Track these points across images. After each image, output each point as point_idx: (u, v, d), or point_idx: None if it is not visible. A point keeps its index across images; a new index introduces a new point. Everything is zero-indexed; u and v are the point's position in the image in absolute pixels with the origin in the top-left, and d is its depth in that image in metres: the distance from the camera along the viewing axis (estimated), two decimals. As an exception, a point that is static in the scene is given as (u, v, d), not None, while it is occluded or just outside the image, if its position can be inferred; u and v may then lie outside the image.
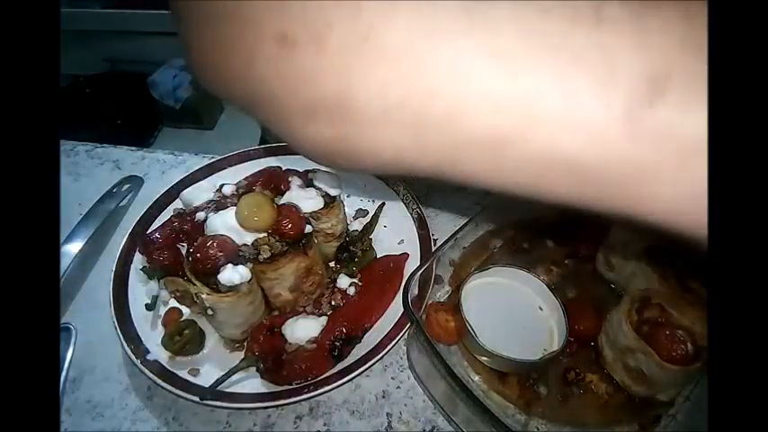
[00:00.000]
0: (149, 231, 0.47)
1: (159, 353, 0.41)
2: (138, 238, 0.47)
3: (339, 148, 0.19)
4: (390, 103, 0.17)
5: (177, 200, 0.50)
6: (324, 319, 0.43)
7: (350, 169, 0.22)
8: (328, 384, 0.38)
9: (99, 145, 0.64)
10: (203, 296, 0.38)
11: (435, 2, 0.16)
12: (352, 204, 0.53)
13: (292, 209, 0.42)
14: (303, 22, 0.17)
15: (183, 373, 0.40)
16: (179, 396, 0.38)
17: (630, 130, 0.14)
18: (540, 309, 0.43)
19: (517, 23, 0.15)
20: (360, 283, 0.47)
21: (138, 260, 0.46)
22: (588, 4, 0.15)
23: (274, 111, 0.20)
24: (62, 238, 0.50)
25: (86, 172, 0.61)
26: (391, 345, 0.41)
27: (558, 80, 0.15)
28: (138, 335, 0.42)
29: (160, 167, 0.61)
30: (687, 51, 0.14)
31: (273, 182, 0.47)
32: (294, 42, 0.17)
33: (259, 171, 0.50)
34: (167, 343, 0.41)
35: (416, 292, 0.40)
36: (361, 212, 0.53)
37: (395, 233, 0.51)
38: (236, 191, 0.46)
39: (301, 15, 0.17)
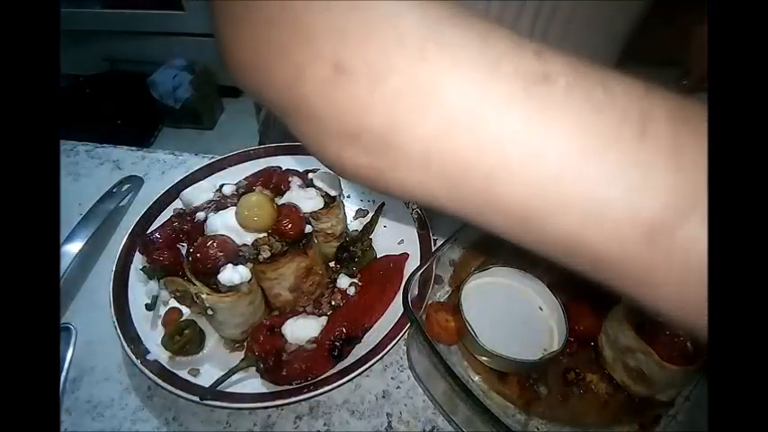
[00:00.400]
0: (149, 231, 0.47)
1: (159, 353, 0.41)
2: (138, 238, 0.47)
3: (370, 175, 0.20)
4: (434, 153, 0.17)
5: (177, 200, 0.50)
6: (324, 319, 0.43)
7: (372, 190, 0.22)
8: (328, 384, 0.38)
9: (99, 145, 0.64)
10: (203, 296, 0.38)
11: (496, 71, 0.16)
12: (352, 204, 0.53)
13: (292, 209, 0.42)
14: (364, 56, 0.17)
15: (183, 373, 0.40)
16: (179, 396, 0.38)
17: (651, 240, 0.16)
18: (540, 309, 0.43)
19: (571, 117, 0.16)
20: (360, 283, 0.47)
21: (138, 260, 0.46)
22: (636, 113, 0.16)
23: (312, 127, 0.20)
24: (62, 238, 0.50)
25: (86, 172, 0.61)
26: (391, 345, 0.41)
27: (597, 179, 0.16)
28: (138, 335, 0.42)
29: (160, 167, 0.61)
30: None
31: (273, 182, 0.47)
32: (350, 72, 0.17)
33: (259, 171, 0.50)
34: (167, 343, 0.41)
35: (416, 292, 0.40)
36: (361, 212, 0.53)
37: (395, 233, 0.51)
38: (236, 191, 0.46)
39: (364, 49, 0.17)
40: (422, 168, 0.18)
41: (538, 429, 0.39)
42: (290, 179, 0.45)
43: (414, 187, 0.19)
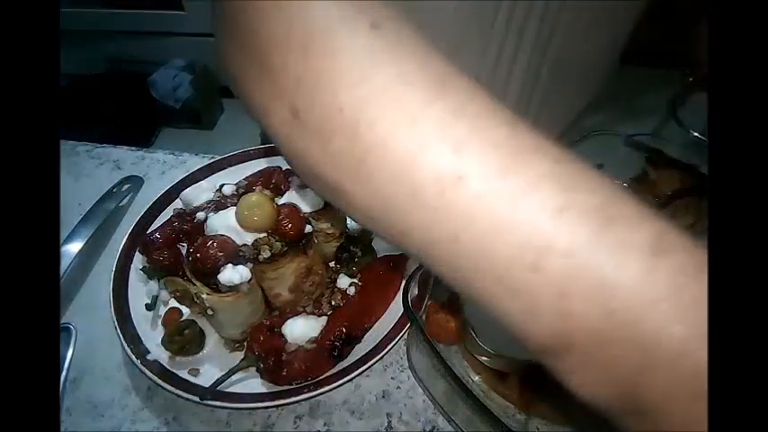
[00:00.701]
0: (149, 231, 0.47)
1: (159, 353, 0.41)
2: (138, 238, 0.47)
3: (339, 207, 0.20)
4: (376, 216, 0.18)
5: (177, 200, 0.50)
6: (324, 319, 0.43)
7: None
8: (328, 384, 0.38)
9: (99, 145, 0.64)
10: (203, 296, 0.38)
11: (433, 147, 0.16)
12: (352, 204, 0.53)
13: (292, 209, 0.42)
14: (315, 109, 0.18)
15: (183, 373, 0.40)
16: (179, 396, 0.38)
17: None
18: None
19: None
20: (360, 283, 0.47)
21: (138, 260, 0.46)
22: (648, 242, 0.15)
23: (285, 154, 0.20)
24: (62, 238, 0.50)
25: (86, 172, 0.61)
26: (391, 345, 0.41)
27: (526, 302, 0.16)
28: (138, 335, 0.42)
29: (160, 167, 0.61)
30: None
31: (273, 182, 0.47)
32: (304, 122, 0.18)
33: (259, 171, 0.50)
34: (167, 343, 0.41)
35: (416, 292, 0.40)
36: (361, 212, 0.53)
37: (395, 233, 0.51)
38: (236, 191, 0.46)
39: (314, 101, 0.17)
40: (369, 221, 0.19)
41: (538, 429, 0.39)
42: (289, 179, 0.45)
43: (372, 231, 0.20)
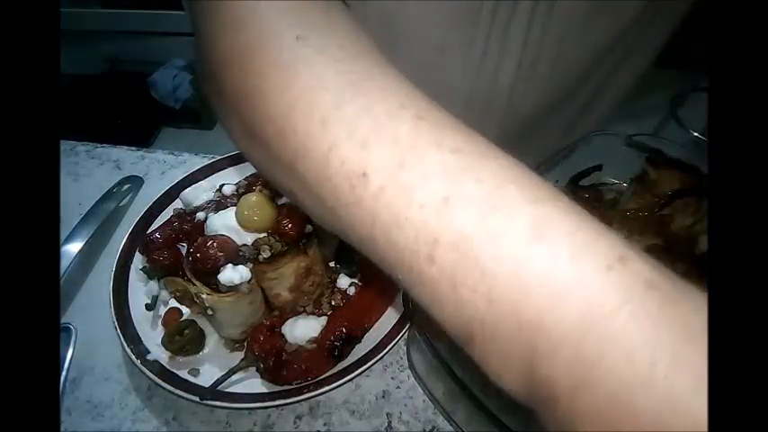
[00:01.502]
0: (149, 231, 0.47)
1: (159, 353, 0.41)
2: (138, 238, 0.47)
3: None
4: (320, 211, 0.20)
5: (177, 200, 0.50)
6: (324, 319, 0.43)
7: None
8: (328, 384, 0.38)
9: (99, 145, 0.64)
10: (203, 296, 0.38)
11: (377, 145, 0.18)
12: (352, 204, 0.53)
13: (292, 209, 0.42)
14: (254, 124, 0.20)
15: (183, 373, 0.40)
16: (179, 396, 0.38)
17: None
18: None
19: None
20: (360, 283, 0.47)
21: (138, 260, 0.46)
22: (525, 229, 0.15)
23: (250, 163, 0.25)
24: (62, 238, 0.50)
25: (86, 172, 0.61)
26: (391, 345, 0.41)
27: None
28: (138, 335, 0.42)
29: (160, 167, 0.61)
30: None
31: (273, 182, 0.46)
32: (251, 134, 0.21)
33: (259, 171, 0.50)
34: (167, 343, 0.41)
35: (416, 292, 0.40)
36: (361, 212, 0.53)
37: (395, 233, 0.51)
38: (236, 191, 0.46)
39: (253, 116, 0.20)
40: (320, 223, 0.21)
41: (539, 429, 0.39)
42: (290, 179, 0.45)
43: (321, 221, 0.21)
